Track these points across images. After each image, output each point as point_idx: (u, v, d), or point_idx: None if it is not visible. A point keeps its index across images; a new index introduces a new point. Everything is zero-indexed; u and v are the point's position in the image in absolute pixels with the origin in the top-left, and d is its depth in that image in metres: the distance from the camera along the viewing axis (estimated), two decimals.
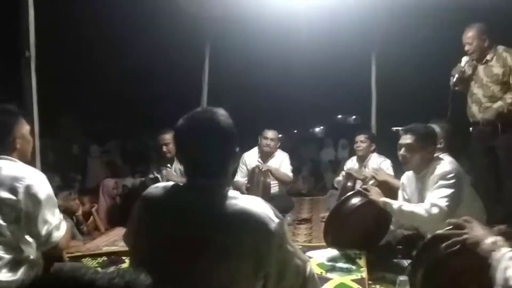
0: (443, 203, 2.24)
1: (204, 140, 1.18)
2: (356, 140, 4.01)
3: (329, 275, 2.23)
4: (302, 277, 1.21)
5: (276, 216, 1.15)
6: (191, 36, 5.04)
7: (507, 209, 3.19)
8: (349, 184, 3.60)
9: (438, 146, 2.72)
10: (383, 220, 2.55)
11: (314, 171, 6.73)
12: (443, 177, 2.31)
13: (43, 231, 1.71)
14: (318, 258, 2.46)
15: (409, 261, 2.33)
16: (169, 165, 3.88)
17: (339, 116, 13.63)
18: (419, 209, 2.31)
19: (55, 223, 1.75)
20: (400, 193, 2.77)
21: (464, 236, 1.29)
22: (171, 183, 1.29)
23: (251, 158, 4.26)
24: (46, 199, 1.71)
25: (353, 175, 3.66)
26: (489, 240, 1.22)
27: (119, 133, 7.35)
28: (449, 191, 2.27)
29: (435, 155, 2.52)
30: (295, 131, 12.64)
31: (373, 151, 3.93)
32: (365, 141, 3.93)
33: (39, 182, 1.71)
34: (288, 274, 1.17)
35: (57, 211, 1.79)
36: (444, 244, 1.32)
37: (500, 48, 3.14)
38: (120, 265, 2.42)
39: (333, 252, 2.51)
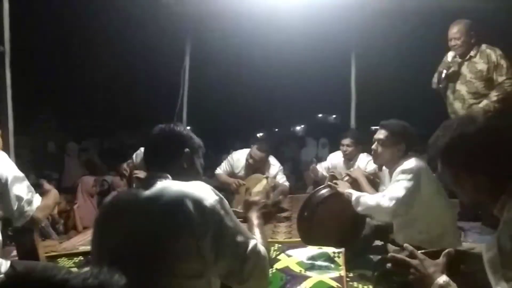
0: (396, 196, 2.31)
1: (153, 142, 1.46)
2: (342, 143, 4.02)
3: (308, 273, 2.24)
4: (241, 254, 1.22)
5: (215, 194, 1.25)
6: (171, 33, 4.99)
7: (485, 207, 3.28)
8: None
9: None
10: (354, 213, 2.57)
11: (295, 170, 6.79)
12: (402, 172, 2.37)
13: (15, 206, 1.81)
14: (298, 256, 2.47)
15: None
16: None
17: (320, 115, 13.78)
18: (374, 200, 2.40)
19: (26, 198, 1.85)
20: (379, 189, 2.84)
21: (411, 271, 1.24)
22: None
23: (239, 161, 4.23)
24: (12, 177, 1.81)
25: (336, 176, 3.71)
26: (440, 280, 1.18)
27: (97, 131, 7.23)
28: (404, 185, 2.33)
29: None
30: (276, 129, 12.70)
31: (361, 152, 3.97)
32: (351, 145, 3.94)
33: (1, 162, 1.81)
34: (225, 250, 1.19)
35: (25, 186, 1.87)
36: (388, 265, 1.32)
37: (483, 45, 3.18)
38: None
39: (313, 250, 2.51)
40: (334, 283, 2.10)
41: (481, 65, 3.16)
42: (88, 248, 2.74)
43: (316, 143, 7.95)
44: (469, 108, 3.20)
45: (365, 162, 3.84)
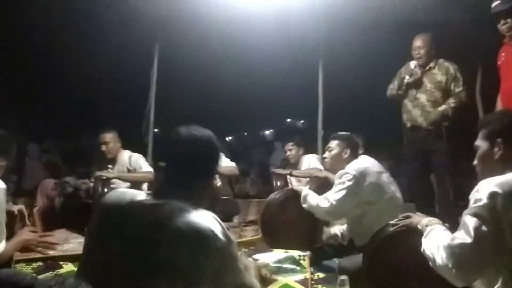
0: (332, 198, 2.48)
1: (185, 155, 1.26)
2: (285, 149, 4.16)
3: (274, 276, 2.27)
4: None
5: (224, 235, 1.14)
6: (140, 35, 4.92)
7: (440, 209, 3.44)
8: (279, 183, 3.77)
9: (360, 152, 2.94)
10: (308, 214, 2.68)
11: (263, 174, 6.82)
12: (339, 176, 2.53)
13: None
14: (264, 260, 2.50)
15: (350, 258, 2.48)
16: (110, 165, 3.67)
17: (288, 120, 13.93)
18: (316, 200, 2.57)
19: None
20: None
21: (409, 220, 1.78)
22: (132, 191, 1.27)
23: None
24: None
25: (279, 174, 3.83)
26: (427, 219, 1.68)
27: (60, 132, 6.99)
28: (341, 187, 2.48)
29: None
30: (245, 133, 12.73)
31: (303, 154, 4.09)
32: (293, 148, 4.08)
33: None
34: None
35: None
36: (392, 228, 1.84)
37: (441, 59, 3.47)
38: (57, 271, 2.29)
39: (279, 254, 2.55)
40: (299, 286, 2.14)
41: (440, 77, 3.42)
42: (50, 253, 2.65)
43: (284, 147, 8.02)
44: (427, 116, 3.42)
45: (308, 162, 3.96)
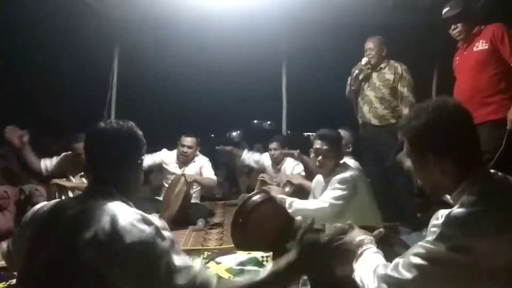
0: (333, 202, 2.51)
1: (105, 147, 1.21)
2: (270, 148, 4.20)
3: (237, 279, 2.25)
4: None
5: (147, 222, 1.08)
6: (99, 37, 4.78)
7: (398, 205, 3.55)
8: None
9: (347, 150, 3.02)
10: (285, 218, 2.65)
11: (229, 176, 6.79)
12: (340, 181, 2.57)
13: None
14: (227, 263, 2.48)
15: None
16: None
17: (255, 121, 13.97)
18: (311, 204, 2.59)
19: None
20: (311, 195, 2.96)
21: (343, 240, 1.45)
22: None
23: (170, 160, 4.20)
24: None
25: (266, 182, 3.81)
26: (358, 238, 1.44)
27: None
28: (341, 193, 2.53)
29: (342, 160, 2.78)
30: (212, 135, 12.65)
31: (285, 155, 4.12)
32: (278, 148, 4.12)
33: None
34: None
35: None
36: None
37: (392, 60, 3.66)
38: (10, 281, 2.19)
39: (242, 256, 2.54)
40: None
41: (389, 75, 3.60)
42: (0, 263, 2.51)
43: (251, 148, 8.03)
44: (375, 112, 3.60)
45: (291, 166, 4.01)
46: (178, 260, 1.09)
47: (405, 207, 3.52)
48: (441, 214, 1.18)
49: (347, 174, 2.60)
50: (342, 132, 2.99)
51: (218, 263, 2.43)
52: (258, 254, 2.46)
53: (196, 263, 1.15)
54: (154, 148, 4.57)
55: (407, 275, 1.11)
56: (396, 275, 1.14)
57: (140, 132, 1.27)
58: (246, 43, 4.74)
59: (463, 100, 2.94)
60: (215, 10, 4.25)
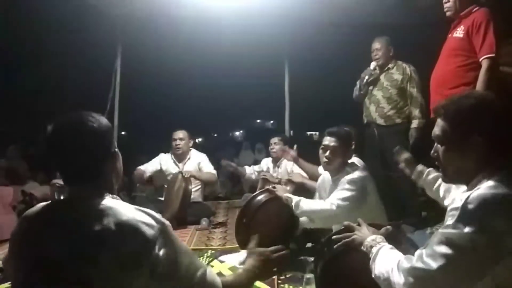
0: (341, 203, 2.43)
1: (71, 144, 1.08)
2: (270, 142, 4.21)
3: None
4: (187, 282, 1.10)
5: (156, 220, 1.06)
6: (102, 36, 4.79)
7: (402, 207, 3.53)
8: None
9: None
10: (289, 217, 2.64)
11: (232, 175, 6.78)
12: (350, 182, 2.49)
13: None
14: (231, 261, 2.49)
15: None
16: None
17: (258, 121, 13.97)
18: (319, 205, 2.52)
19: None
20: (316, 194, 2.93)
21: (352, 237, 1.51)
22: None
23: (167, 161, 4.20)
24: None
25: (268, 180, 3.80)
26: (370, 238, 1.43)
27: (19, 137, 6.69)
28: (350, 194, 2.46)
29: (351, 160, 2.73)
30: (215, 135, 12.68)
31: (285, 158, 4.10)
32: (279, 143, 4.12)
33: None
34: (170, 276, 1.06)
35: None
36: (336, 245, 1.54)
37: (399, 61, 3.62)
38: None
39: (245, 255, 2.54)
40: (265, 286, 2.14)
41: (397, 76, 3.56)
42: None
43: (253, 148, 8.03)
44: (382, 112, 3.55)
45: (290, 164, 3.98)
46: (184, 252, 1.10)
47: (408, 206, 3.51)
48: (460, 198, 1.13)
49: (355, 175, 2.54)
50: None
51: (221, 261, 2.44)
52: None
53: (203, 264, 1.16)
54: (157, 148, 4.58)
55: (433, 264, 1.09)
56: (422, 266, 1.12)
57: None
58: (248, 42, 4.73)
59: (433, 89, 2.85)
60: (218, 8, 4.25)
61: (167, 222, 1.09)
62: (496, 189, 1.09)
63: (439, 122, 1.27)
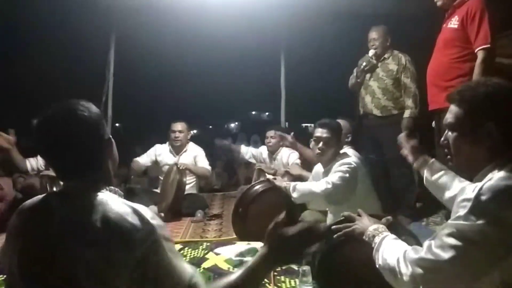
0: (336, 182, 2.53)
1: (62, 134, 1.03)
2: (266, 135, 4.19)
3: (236, 270, 2.25)
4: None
5: (144, 222, 0.99)
6: (96, 27, 4.72)
7: (398, 195, 3.54)
8: (261, 179, 3.73)
9: (346, 140, 3.01)
10: (287, 208, 2.65)
11: (228, 167, 6.78)
12: (342, 164, 2.59)
13: None
14: (226, 254, 2.48)
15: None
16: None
17: (253, 113, 13.91)
18: (315, 185, 2.61)
19: None
20: None
21: (353, 227, 1.49)
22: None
23: (163, 151, 4.18)
24: None
25: (263, 171, 3.79)
26: (372, 227, 1.41)
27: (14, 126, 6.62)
28: (343, 175, 2.55)
29: (342, 150, 2.80)
30: (210, 127, 12.62)
31: (282, 145, 4.10)
32: (275, 137, 4.10)
33: None
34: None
35: None
36: (335, 235, 1.53)
37: (395, 51, 3.57)
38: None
39: (241, 247, 2.54)
40: None
41: (392, 66, 3.52)
42: None
43: (249, 139, 8.01)
44: (378, 103, 3.53)
45: (287, 155, 4.00)
46: (174, 258, 1.01)
47: (404, 197, 3.51)
48: (471, 189, 1.08)
49: (347, 160, 2.62)
50: (341, 122, 2.97)
51: (217, 254, 2.43)
52: (257, 245, 2.46)
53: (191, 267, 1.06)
54: (152, 139, 4.55)
55: (443, 255, 1.07)
56: (431, 257, 1.09)
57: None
58: (244, 32, 4.69)
59: (429, 81, 2.84)
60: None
61: (159, 223, 1.02)
62: (509, 180, 1.07)
63: (453, 108, 1.24)
